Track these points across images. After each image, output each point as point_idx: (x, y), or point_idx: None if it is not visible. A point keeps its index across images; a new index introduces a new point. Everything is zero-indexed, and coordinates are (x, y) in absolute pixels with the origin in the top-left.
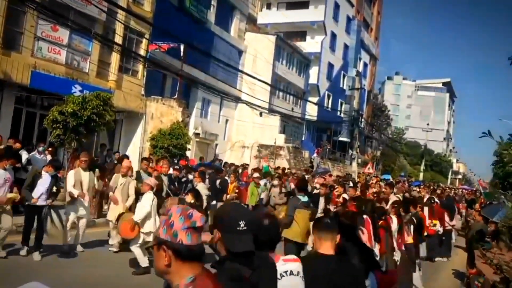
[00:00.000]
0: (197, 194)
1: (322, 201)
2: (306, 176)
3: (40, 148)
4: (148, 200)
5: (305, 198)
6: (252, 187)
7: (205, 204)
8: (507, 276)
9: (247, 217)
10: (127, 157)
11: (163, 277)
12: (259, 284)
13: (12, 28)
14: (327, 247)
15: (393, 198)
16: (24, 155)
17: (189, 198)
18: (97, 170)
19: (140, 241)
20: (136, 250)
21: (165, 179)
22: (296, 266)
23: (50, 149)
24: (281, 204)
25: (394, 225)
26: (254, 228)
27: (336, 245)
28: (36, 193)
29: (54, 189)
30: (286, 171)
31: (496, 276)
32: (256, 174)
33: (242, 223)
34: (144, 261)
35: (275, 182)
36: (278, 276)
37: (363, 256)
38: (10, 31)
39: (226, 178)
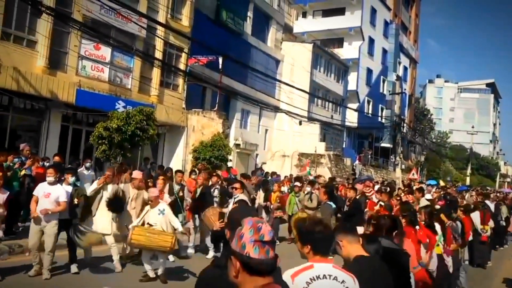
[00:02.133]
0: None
1: None
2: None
3: (87, 164)
4: (171, 213)
5: (334, 205)
6: (290, 196)
7: None
8: None
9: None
10: (171, 170)
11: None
12: None
13: (57, 48)
14: (359, 249)
15: (424, 202)
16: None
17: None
18: None
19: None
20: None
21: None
22: (329, 269)
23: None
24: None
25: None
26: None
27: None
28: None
29: (76, 201)
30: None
31: None
32: (297, 183)
33: None
34: (151, 272)
35: (308, 189)
36: (305, 285)
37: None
38: (55, 51)
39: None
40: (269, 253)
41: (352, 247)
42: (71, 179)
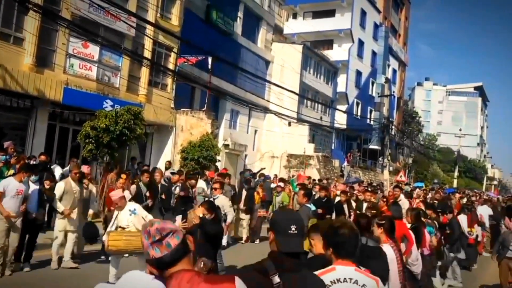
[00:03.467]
0: (211, 206)
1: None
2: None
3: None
4: (143, 211)
5: (313, 207)
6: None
7: (230, 217)
8: None
9: (299, 222)
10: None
11: None
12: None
13: (44, 46)
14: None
15: (405, 203)
16: (58, 170)
17: (199, 211)
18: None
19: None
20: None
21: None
22: (350, 272)
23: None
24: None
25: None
26: (303, 232)
27: None
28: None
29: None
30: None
31: None
32: (280, 184)
33: (293, 227)
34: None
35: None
36: (328, 282)
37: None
38: (43, 49)
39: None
40: (170, 245)
41: (321, 246)
42: (33, 177)
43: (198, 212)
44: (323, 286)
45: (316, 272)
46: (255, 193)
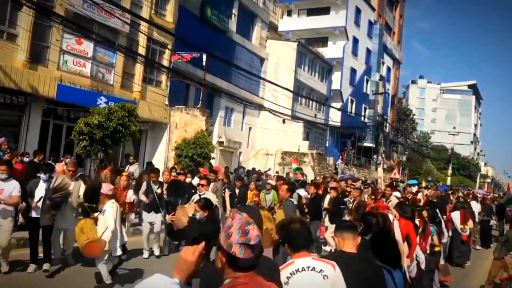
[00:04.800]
0: (206, 204)
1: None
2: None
3: (67, 160)
4: (111, 215)
5: (295, 201)
6: (262, 193)
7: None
8: None
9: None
10: (152, 165)
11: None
12: None
13: (38, 42)
14: (349, 246)
15: (394, 200)
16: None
17: (191, 209)
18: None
19: (106, 258)
20: (102, 268)
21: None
22: (307, 261)
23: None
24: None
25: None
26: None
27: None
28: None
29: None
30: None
31: None
32: (269, 181)
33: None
34: (108, 278)
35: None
36: (285, 279)
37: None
38: (36, 45)
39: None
40: (254, 253)
41: (345, 243)
42: (42, 175)
43: (189, 211)
44: (276, 266)
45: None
46: (248, 191)
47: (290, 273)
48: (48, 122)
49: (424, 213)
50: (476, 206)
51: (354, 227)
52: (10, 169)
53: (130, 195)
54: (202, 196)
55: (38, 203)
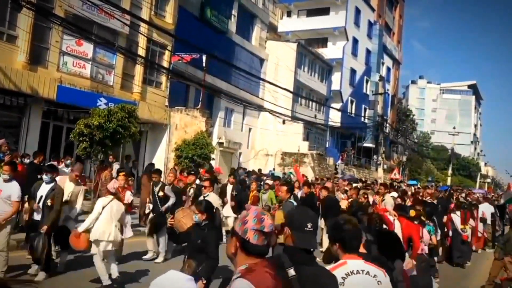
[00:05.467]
0: (205, 207)
1: None
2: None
3: (68, 162)
4: (99, 205)
5: (295, 202)
6: (259, 193)
7: (222, 215)
8: None
9: (314, 220)
10: (153, 166)
11: (231, 261)
12: (301, 280)
13: (38, 44)
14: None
15: (389, 199)
16: None
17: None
18: None
19: (95, 251)
20: (96, 263)
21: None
22: (361, 265)
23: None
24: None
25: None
26: (316, 229)
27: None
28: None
29: (49, 202)
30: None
31: None
32: (267, 181)
33: (309, 225)
34: (105, 278)
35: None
36: (341, 280)
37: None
38: (36, 47)
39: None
40: (266, 241)
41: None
42: (44, 177)
43: (192, 215)
44: (335, 281)
45: (328, 267)
46: (249, 192)
47: (346, 274)
48: (48, 124)
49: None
50: (489, 208)
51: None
52: (13, 171)
53: (128, 196)
54: (205, 198)
55: (39, 204)
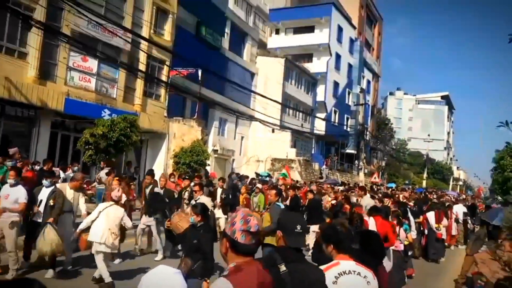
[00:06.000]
0: (200, 209)
1: None
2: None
3: (75, 168)
4: (95, 209)
5: (282, 205)
6: (251, 196)
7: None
8: None
9: (303, 223)
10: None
11: (223, 259)
12: (291, 274)
13: (47, 60)
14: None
15: (366, 200)
16: (60, 175)
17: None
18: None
19: (94, 251)
20: (101, 265)
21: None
22: (352, 266)
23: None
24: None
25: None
26: (305, 231)
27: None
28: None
29: (51, 202)
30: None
31: (498, 275)
32: (258, 185)
33: (299, 227)
34: (106, 276)
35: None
36: (334, 279)
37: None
38: (45, 63)
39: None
40: (254, 240)
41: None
42: (44, 182)
43: (187, 218)
44: (323, 276)
45: (322, 267)
46: (240, 195)
47: (338, 273)
48: (56, 133)
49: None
50: (461, 209)
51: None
52: (18, 175)
53: (116, 193)
54: (197, 201)
55: (39, 207)
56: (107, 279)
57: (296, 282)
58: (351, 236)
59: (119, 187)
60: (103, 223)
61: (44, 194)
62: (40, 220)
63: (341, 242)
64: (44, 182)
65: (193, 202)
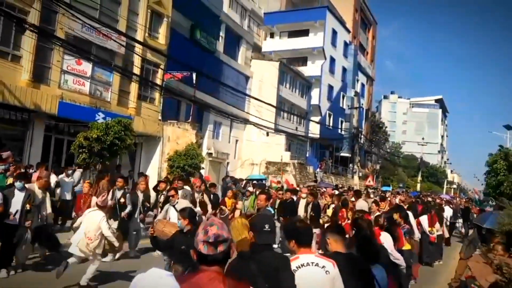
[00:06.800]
0: (189, 213)
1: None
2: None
3: (69, 171)
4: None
5: (272, 210)
6: (241, 200)
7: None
8: (507, 277)
9: (271, 222)
10: (145, 176)
11: None
12: (258, 264)
13: (40, 63)
14: (341, 247)
15: (360, 204)
16: (53, 178)
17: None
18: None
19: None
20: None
21: (140, 195)
22: (311, 258)
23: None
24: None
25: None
26: (274, 229)
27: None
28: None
29: (28, 207)
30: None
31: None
32: (249, 188)
33: (267, 226)
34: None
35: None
36: (294, 268)
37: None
38: (39, 66)
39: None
40: (217, 249)
41: (337, 245)
42: (17, 184)
43: (171, 223)
44: (287, 260)
45: None
46: (226, 198)
47: (297, 267)
48: (50, 137)
49: (396, 215)
50: (448, 211)
51: (343, 230)
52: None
53: (94, 202)
54: (175, 205)
55: (15, 216)
56: (83, 281)
57: (263, 270)
58: (310, 232)
59: (105, 193)
60: (82, 228)
61: (18, 199)
62: (12, 223)
63: (300, 237)
64: (18, 184)
65: (167, 206)
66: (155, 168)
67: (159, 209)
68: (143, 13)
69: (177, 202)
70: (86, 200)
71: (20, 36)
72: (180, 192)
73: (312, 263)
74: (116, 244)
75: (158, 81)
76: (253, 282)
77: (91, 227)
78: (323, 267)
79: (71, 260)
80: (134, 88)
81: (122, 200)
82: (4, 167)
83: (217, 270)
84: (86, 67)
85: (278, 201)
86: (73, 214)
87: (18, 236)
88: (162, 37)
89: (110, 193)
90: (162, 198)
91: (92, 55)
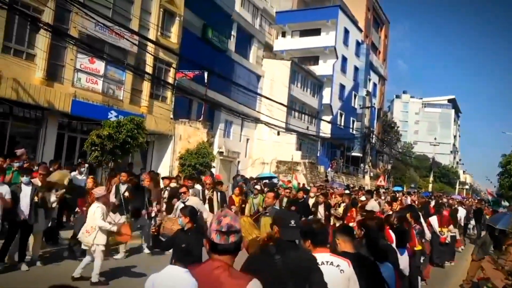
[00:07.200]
0: (190, 211)
1: (321, 208)
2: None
3: (82, 169)
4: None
5: (278, 208)
6: (250, 198)
7: (205, 214)
8: None
9: (296, 218)
10: (155, 173)
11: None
12: (283, 261)
13: (54, 62)
14: (349, 247)
15: (372, 204)
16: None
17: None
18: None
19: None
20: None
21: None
22: (326, 257)
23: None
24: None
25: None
26: (299, 225)
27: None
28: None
29: (35, 199)
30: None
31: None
32: (257, 187)
33: (293, 222)
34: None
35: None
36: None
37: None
38: (52, 64)
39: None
40: (229, 239)
41: (345, 245)
42: (23, 178)
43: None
44: (314, 260)
45: None
46: (233, 196)
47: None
48: (63, 134)
49: (408, 215)
50: (461, 212)
51: (352, 231)
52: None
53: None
54: (186, 202)
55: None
56: (76, 274)
57: (289, 268)
58: (325, 231)
59: (106, 186)
60: (87, 221)
61: (26, 193)
62: (22, 219)
63: (316, 237)
64: (24, 179)
65: (178, 203)
66: (166, 167)
67: (163, 205)
68: (155, 12)
69: (187, 199)
70: (90, 195)
71: (34, 35)
72: (190, 190)
73: (327, 262)
74: (114, 229)
75: (170, 80)
76: (276, 278)
77: (89, 220)
78: (338, 265)
79: (85, 259)
80: (146, 86)
81: (126, 194)
82: (18, 164)
83: (226, 260)
84: (99, 65)
85: (285, 199)
86: (76, 209)
87: (29, 229)
88: (174, 36)
89: (114, 188)
90: (166, 194)
91: (105, 53)
